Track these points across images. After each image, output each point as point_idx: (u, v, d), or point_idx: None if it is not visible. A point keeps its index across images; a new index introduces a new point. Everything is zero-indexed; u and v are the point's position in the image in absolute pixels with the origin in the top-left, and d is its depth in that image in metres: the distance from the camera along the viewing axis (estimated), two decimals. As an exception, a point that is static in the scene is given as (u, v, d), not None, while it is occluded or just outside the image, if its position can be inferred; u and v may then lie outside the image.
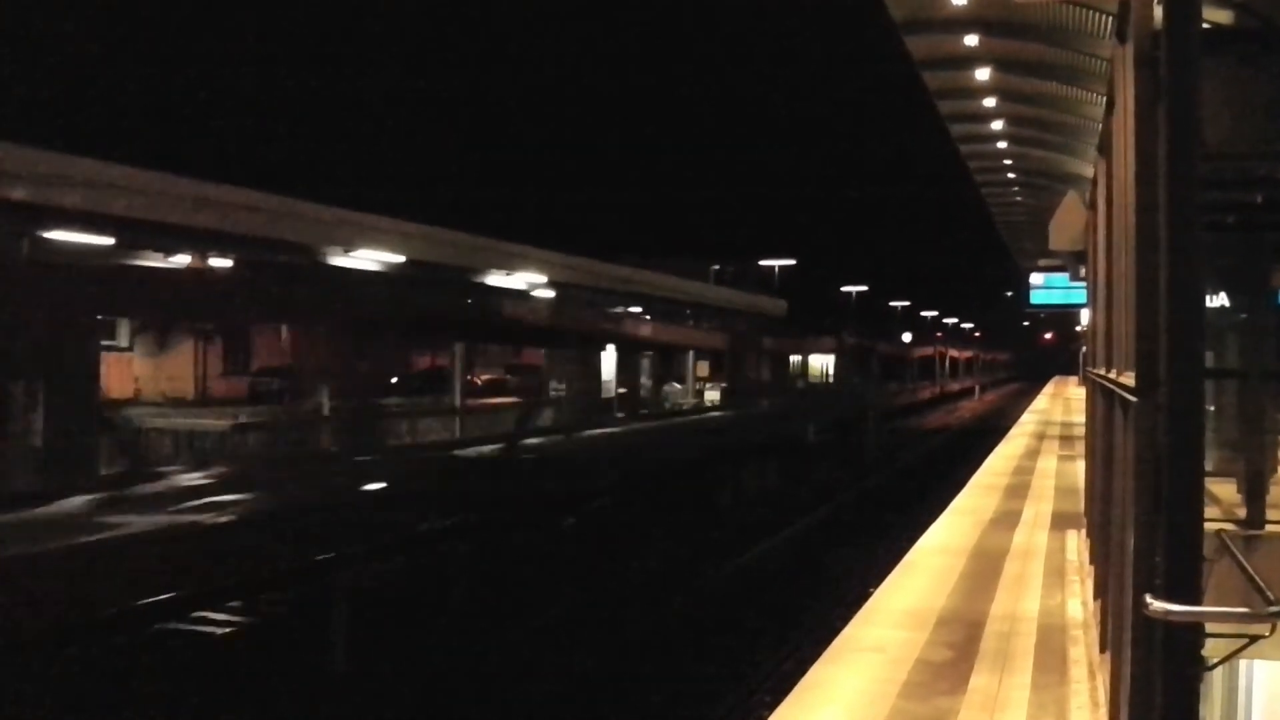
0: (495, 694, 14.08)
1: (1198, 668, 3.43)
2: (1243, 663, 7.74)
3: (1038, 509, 15.36)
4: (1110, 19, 9.83)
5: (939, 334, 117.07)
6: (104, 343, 27.44)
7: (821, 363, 73.93)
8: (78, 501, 13.32)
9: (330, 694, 13.65)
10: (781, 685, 10.47)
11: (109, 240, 16.12)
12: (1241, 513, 7.63)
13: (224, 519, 14.14)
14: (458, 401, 28.76)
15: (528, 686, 14.36)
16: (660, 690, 14.45)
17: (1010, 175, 29.84)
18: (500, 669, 14.99)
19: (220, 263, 19.63)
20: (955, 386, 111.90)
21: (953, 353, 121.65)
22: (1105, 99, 8.23)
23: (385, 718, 13.28)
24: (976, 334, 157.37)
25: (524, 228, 38.56)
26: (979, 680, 7.43)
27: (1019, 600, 9.78)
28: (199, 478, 16.52)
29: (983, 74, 18.55)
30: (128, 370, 34.37)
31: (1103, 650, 7.12)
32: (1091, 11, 14.38)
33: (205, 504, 14.48)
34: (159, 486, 15.40)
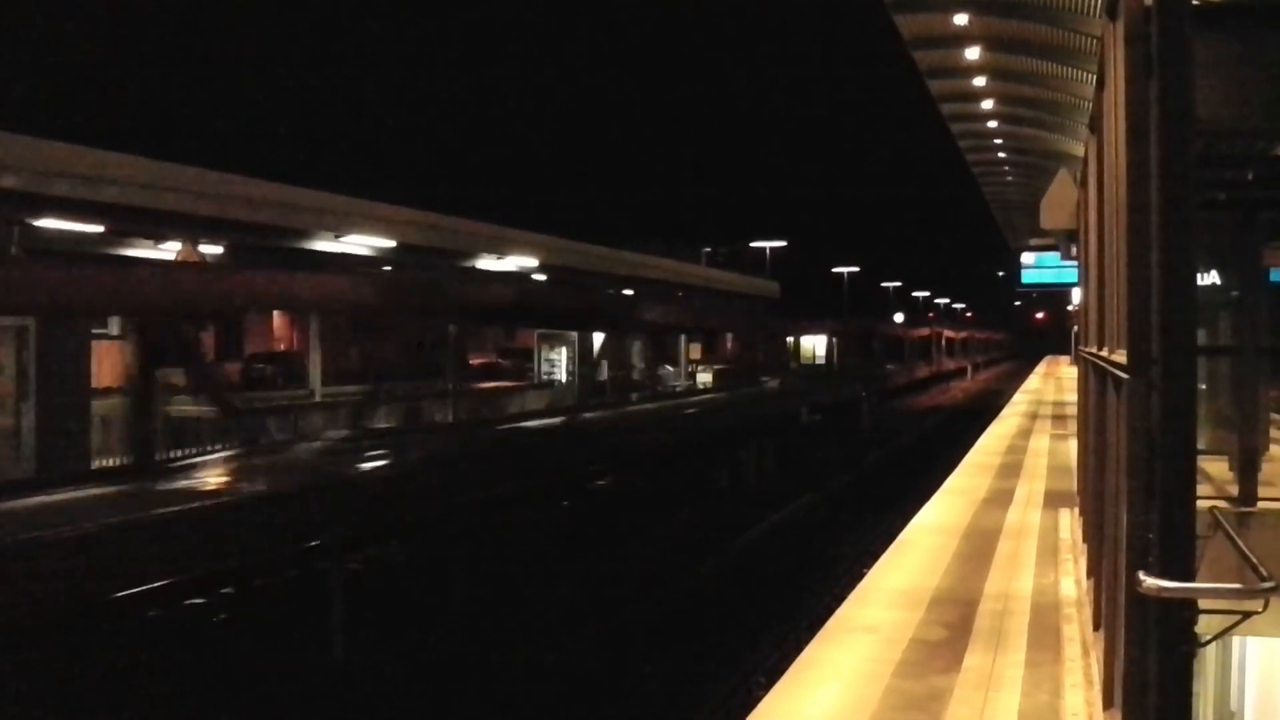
0: (490, 675, 14.10)
1: (1190, 644, 3.44)
2: (1236, 639, 7.76)
3: (1030, 488, 15.39)
4: (1101, -3, 9.78)
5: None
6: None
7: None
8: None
9: (326, 686, 13.64)
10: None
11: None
12: (1234, 490, 7.64)
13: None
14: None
15: (520, 671, 14.37)
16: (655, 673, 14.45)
17: (1001, 155, 29.85)
18: (494, 653, 15.01)
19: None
20: (902, 380, 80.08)
21: (896, 331, 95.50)
22: (1096, 77, 8.21)
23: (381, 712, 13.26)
24: (959, 310, 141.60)
25: (524, 218, 38.28)
26: (973, 659, 7.46)
27: (1013, 579, 9.81)
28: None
29: (973, 53, 18.52)
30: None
31: (1096, 628, 7.15)
32: (1082, -11, 14.34)
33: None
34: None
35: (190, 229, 23.26)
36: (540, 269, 36.90)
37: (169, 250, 24.54)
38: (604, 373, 44.23)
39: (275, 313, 34.17)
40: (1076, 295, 21.68)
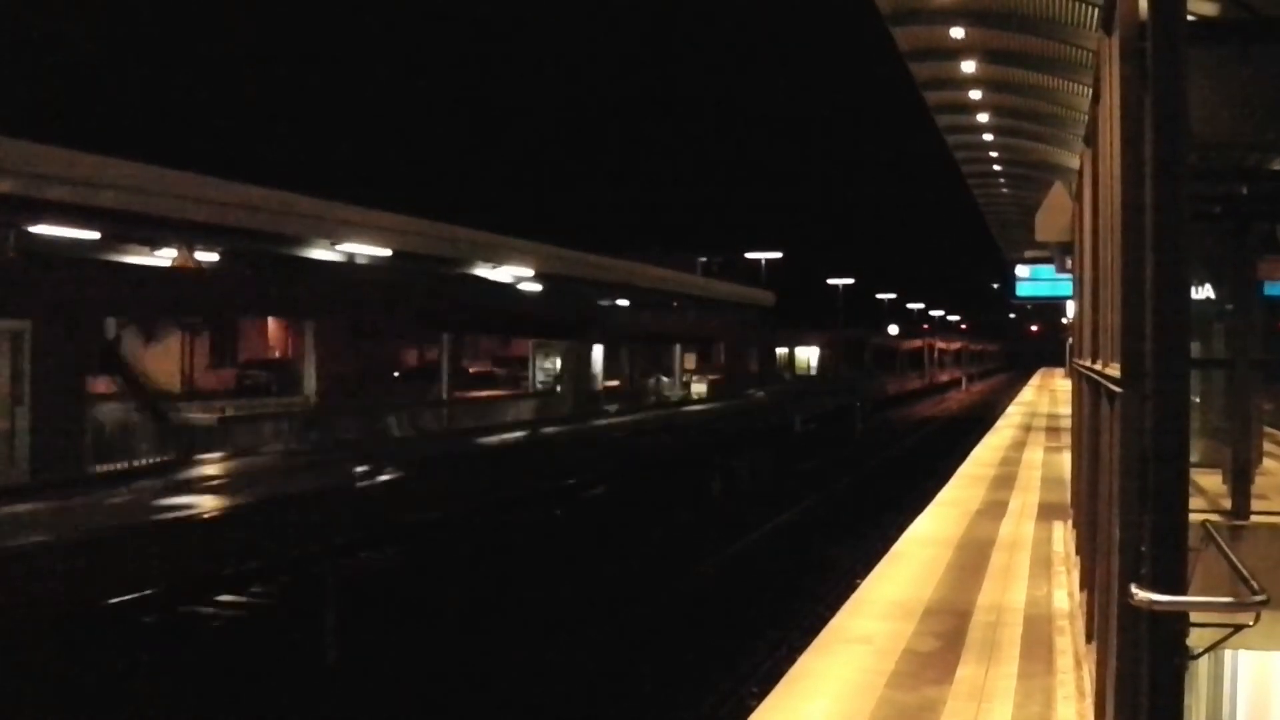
0: (483, 682, 14.08)
1: (1182, 657, 3.44)
2: (1228, 652, 7.77)
3: (1024, 500, 15.39)
4: (1096, 10, 9.82)
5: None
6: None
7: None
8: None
9: (323, 689, 13.63)
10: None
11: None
12: (1227, 503, 7.65)
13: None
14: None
15: (516, 677, 14.35)
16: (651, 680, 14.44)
17: (997, 167, 29.95)
18: (490, 659, 14.99)
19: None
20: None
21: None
22: (1091, 90, 8.24)
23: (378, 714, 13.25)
24: (932, 318, 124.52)
25: (522, 223, 37.79)
26: (966, 670, 7.45)
27: (1006, 591, 9.80)
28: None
29: (969, 65, 18.59)
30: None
31: (1089, 640, 7.15)
32: (1077, 3, 14.42)
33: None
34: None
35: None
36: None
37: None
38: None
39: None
40: (1071, 308, 21.72)
